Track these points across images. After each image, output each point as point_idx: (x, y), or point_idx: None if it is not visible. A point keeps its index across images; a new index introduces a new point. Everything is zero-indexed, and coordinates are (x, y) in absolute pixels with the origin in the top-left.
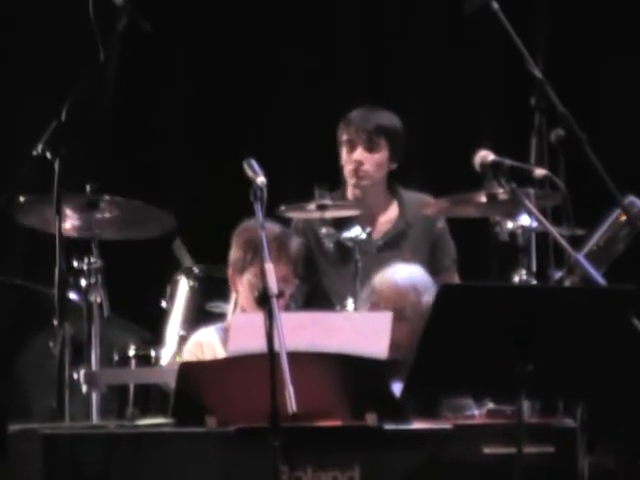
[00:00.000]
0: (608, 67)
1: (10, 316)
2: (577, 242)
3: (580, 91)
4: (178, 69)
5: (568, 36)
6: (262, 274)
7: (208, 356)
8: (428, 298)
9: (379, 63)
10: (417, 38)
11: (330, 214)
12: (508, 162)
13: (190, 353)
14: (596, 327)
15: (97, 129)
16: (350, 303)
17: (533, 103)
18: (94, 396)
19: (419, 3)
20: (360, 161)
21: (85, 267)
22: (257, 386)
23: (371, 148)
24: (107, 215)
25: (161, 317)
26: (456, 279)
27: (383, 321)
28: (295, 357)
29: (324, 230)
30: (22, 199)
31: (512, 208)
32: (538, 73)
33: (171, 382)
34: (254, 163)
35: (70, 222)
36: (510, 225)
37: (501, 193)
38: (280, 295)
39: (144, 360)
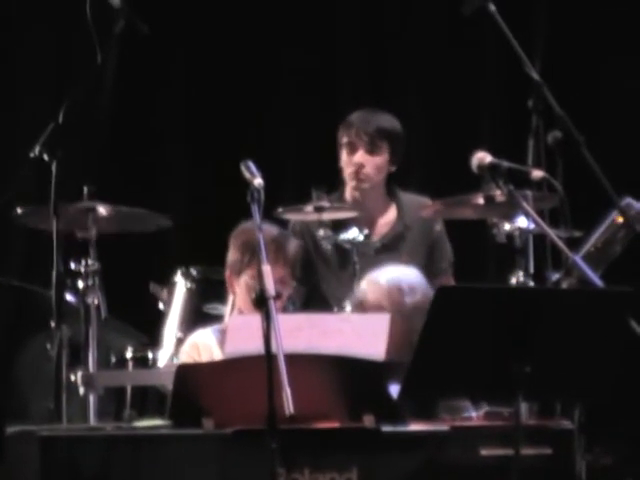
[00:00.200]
0: (608, 67)
1: (7, 318)
2: (574, 244)
3: (579, 91)
4: (177, 70)
5: (567, 36)
6: (259, 276)
7: (205, 358)
8: (414, 299)
9: (379, 63)
10: (417, 39)
11: (328, 216)
12: (506, 164)
13: (187, 355)
14: (593, 329)
15: (95, 131)
16: (348, 305)
17: (530, 105)
18: (91, 398)
19: (419, 3)
20: (361, 164)
21: (83, 269)
22: (254, 388)
23: (372, 151)
24: (103, 214)
25: (158, 319)
26: (452, 282)
27: (381, 323)
28: (292, 359)
29: (322, 232)
30: (20, 210)
31: (509, 210)
32: (535, 75)
33: (168, 384)
34: (251, 165)
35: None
36: (507, 227)
37: (498, 195)
38: (277, 297)
39: (141, 362)
